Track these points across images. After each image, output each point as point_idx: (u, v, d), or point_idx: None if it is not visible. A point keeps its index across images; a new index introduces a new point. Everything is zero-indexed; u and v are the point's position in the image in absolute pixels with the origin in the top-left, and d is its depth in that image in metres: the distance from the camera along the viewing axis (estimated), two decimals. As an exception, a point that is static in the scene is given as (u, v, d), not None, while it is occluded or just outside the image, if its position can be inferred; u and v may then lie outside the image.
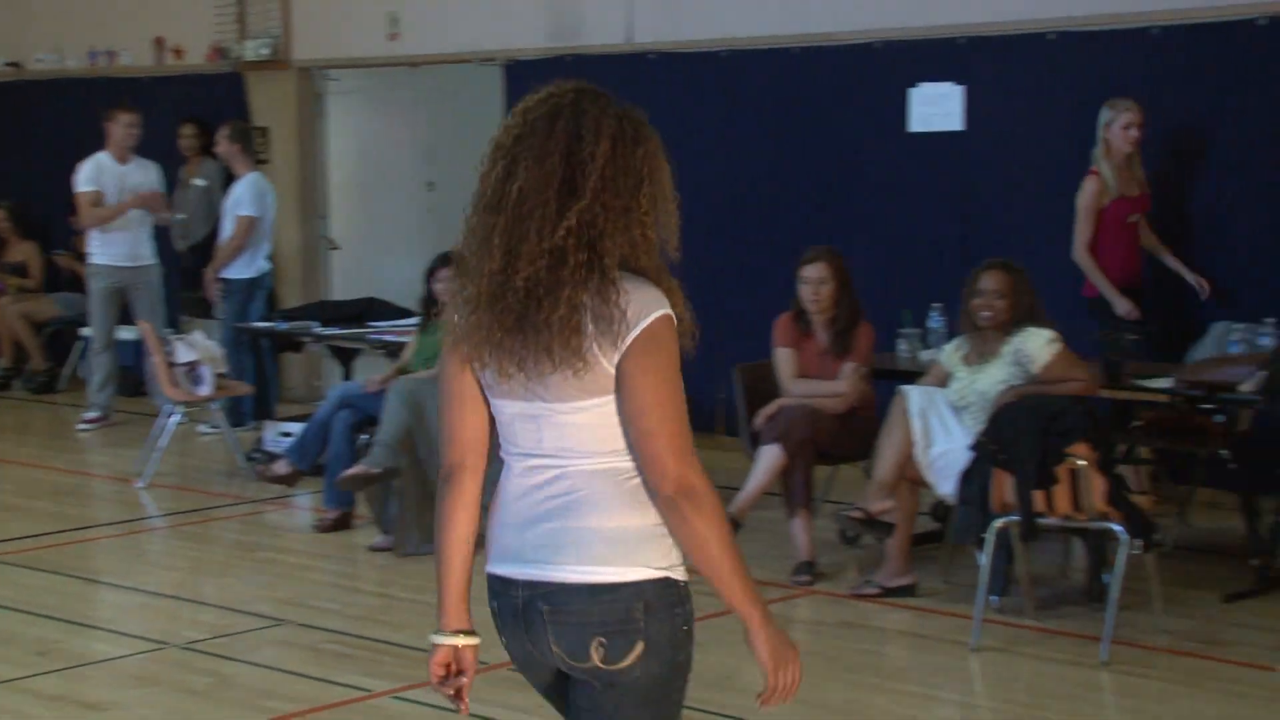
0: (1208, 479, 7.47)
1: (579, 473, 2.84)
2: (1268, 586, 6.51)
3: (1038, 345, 6.36)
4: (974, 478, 6.21)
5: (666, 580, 2.84)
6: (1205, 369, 6.75)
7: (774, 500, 7.22)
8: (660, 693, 2.87)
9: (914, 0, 8.99)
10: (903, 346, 7.71)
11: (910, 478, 6.51)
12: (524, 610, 2.85)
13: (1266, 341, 6.83)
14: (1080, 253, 7.74)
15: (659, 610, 2.82)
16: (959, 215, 8.85)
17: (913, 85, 8.95)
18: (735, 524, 6.91)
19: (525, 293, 2.77)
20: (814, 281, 7.03)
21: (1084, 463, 5.88)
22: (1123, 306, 7.60)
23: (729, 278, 9.77)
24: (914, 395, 6.51)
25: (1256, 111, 7.91)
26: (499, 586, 2.90)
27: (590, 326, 2.76)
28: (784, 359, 7.15)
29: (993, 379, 6.43)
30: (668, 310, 2.80)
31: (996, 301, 6.43)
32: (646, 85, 10.07)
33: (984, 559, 6.09)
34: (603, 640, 2.80)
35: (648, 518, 2.82)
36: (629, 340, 2.76)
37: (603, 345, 2.77)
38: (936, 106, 8.87)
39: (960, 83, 8.80)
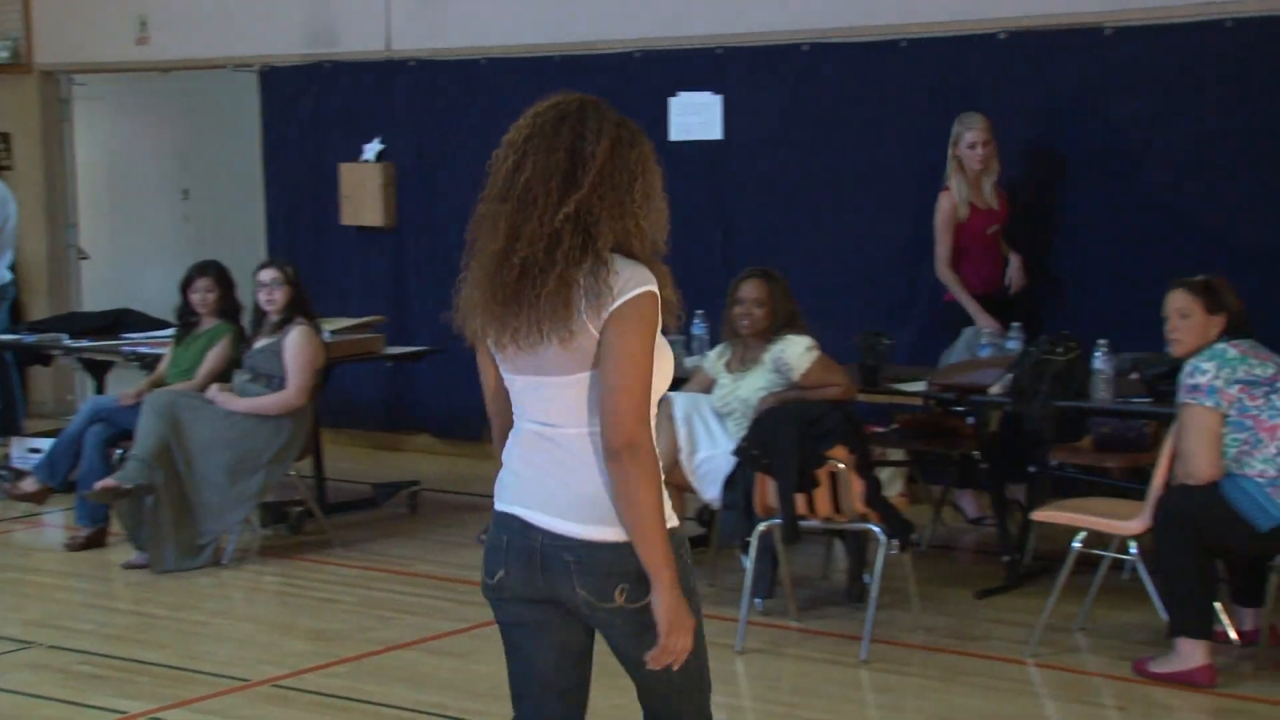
0: (961, 479, 7.71)
1: (580, 438, 3.17)
2: (1018, 582, 6.74)
3: (797, 353, 6.47)
4: (737, 483, 6.31)
5: (671, 531, 3.16)
6: (956, 372, 6.95)
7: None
8: None
9: (672, 11, 9.10)
10: (666, 353, 7.77)
11: (675, 483, 6.57)
12: (543, 554, 3.19)
13: (1014, 345, 7.06)
14: (941, 269, 7.76)
15: None
16: (720, 223, 8.98)
17: (672, 95, 9.06)
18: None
19: (521, 270, 3.11)
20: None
21: (843, 465, 6.01)
22: (984, 321, 7.62)
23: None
24: (678, 402, 6.58)
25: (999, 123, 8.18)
26: (515, 525, 3.22)
27: (581, 301, 3.09)
28: (548, 367, 7.16)
29: (754, 385, 6.53)
30: (653, 288, 3.11)
31: (756, 310, 6.53)
32: (406, 93, 10.02)
33: (748, 562, 6.18)
34: (625, 586, 3.15)
35: None
36: (611, 309, 3.09)
37: (590, 315, 3.09)
38: (696, 116, 8.99)
39: (718, 92, 8.93)
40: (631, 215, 3.14)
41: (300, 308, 7.49)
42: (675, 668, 3.18)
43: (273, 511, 7.95)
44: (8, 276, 9.89)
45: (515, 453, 3.24)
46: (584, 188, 3.13)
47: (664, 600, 3.11)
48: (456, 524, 8.15)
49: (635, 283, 3.10)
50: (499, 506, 3.25)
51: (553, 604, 3.22)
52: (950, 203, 7.74)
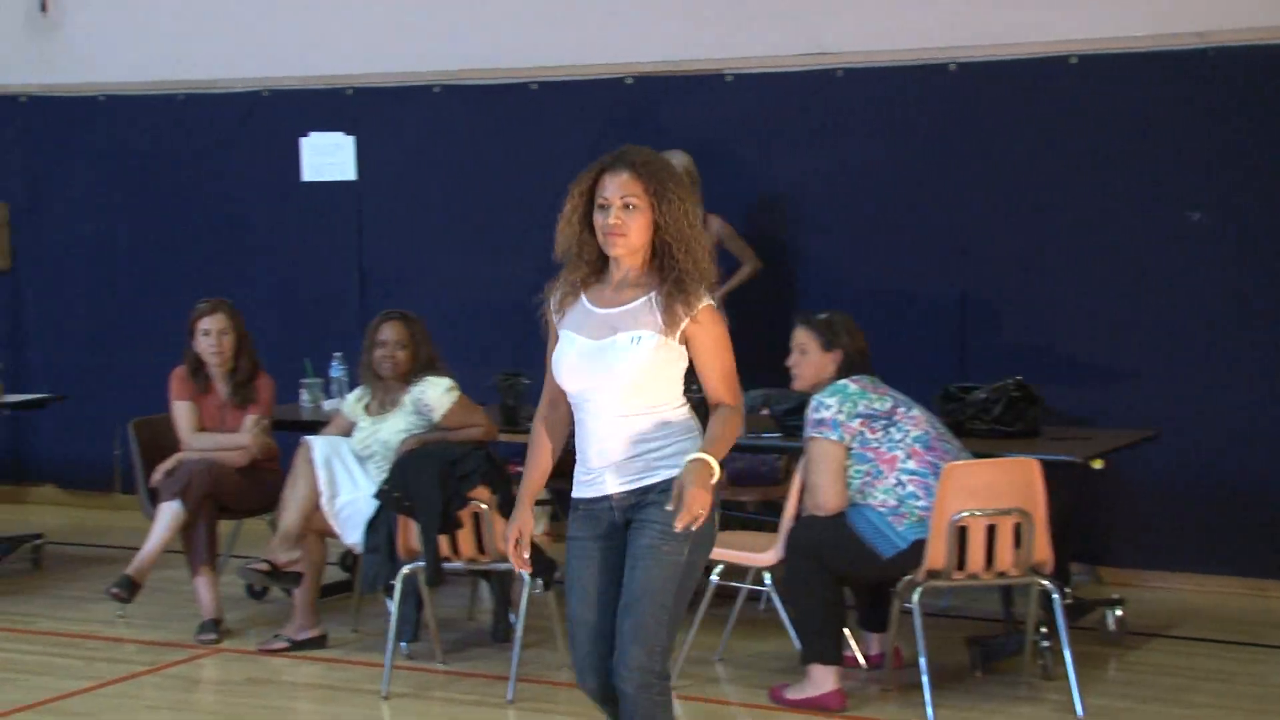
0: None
1: None
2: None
3: (437, 394, 6.50)
4: (380, 526, 6.28)
5: None
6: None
7: (176, 558, 7.02)
8: None
9: (299, 49, 9.01)
10: (305, 397, 7.70)
11: (317, 528, 6.50)
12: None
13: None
14: None
15: None
16: (355, 265, 8.92)
17: (303, 135, 8.97)
18: (135, 585, 6.69)
19: None
20: (214, 333, 6.92)
21: (485, 506, 6.05)
22: None
23: (119, 331, 9.47)
24: (318, 445, 6.51)
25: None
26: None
27: None
28: (182, 413, 6.99)
29: (395, 428, 6.52)
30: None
31: (399, 352, 6.53)
32: (17, 130, 9.63)
33: (393, 606, 6.15)
34: None
35: None
36: None
37: None
38: (329, 156, 8.92)
39: (351, 133, 8.89)
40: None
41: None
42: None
43: (-120, 571, 7.50)
44: None
45: None
46: None
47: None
48: (84, 578, 7.83)
49: None
50: None
51: None
52: None
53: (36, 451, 9.71)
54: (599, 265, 4.07)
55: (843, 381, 5.79)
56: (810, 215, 8.04)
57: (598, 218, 4.00)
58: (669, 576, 3.94)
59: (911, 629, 5.65)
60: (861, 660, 6.13)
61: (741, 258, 7.73)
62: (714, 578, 6.07)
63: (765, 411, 6.75)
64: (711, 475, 3.80)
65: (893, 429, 5.71)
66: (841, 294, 7.64)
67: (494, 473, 6.13)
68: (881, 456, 5.68)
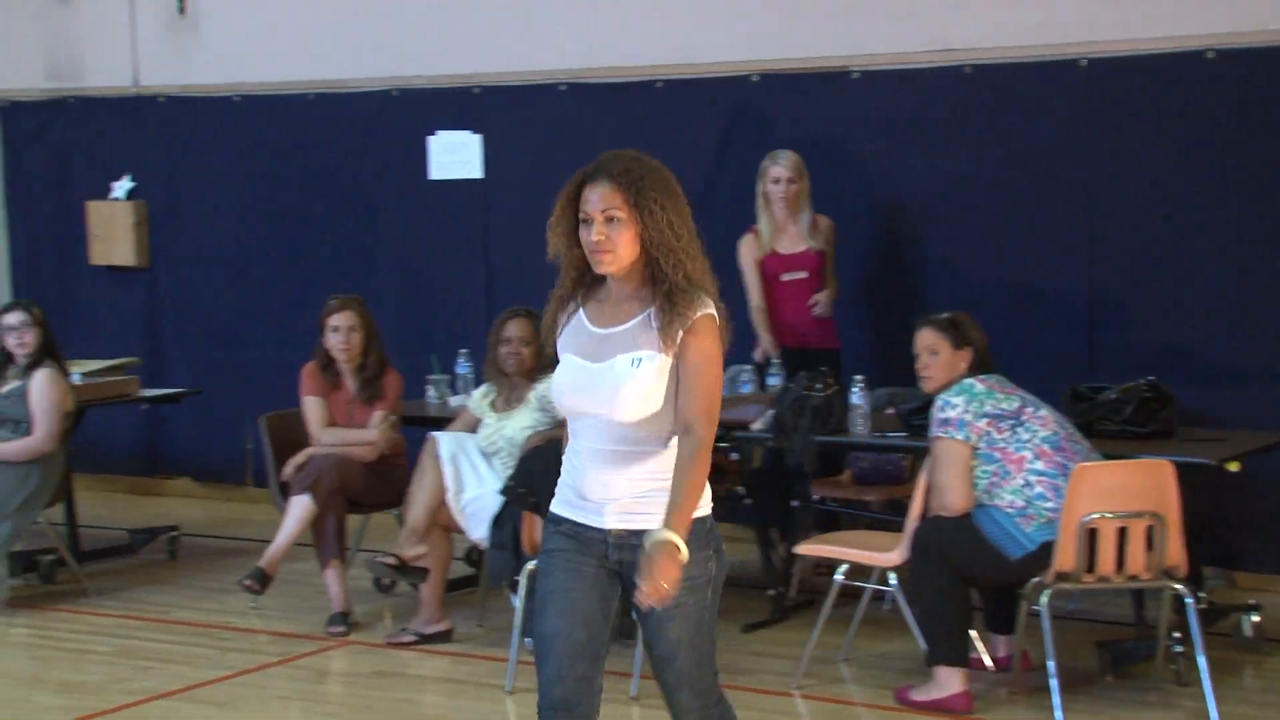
0: (725, 514, 7.80)
1: None
2: (782, 615, 6.86)
3: (562, 390, 6.52)
4: (505, 522, 6.32)
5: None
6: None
7: (306, 551, 7.13)
8: None
9: (428, 49, 9.10)
10: (431, 393, 7.77)
11: (443, 524, 6.56)
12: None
13: (774, 381, 7.20)
14: (752, 311, 7.38)
15: None
16: (482, 262, 8.99)
17: (431, 133, 9.06)
18: (266, 577, 6.80)
19: None
20: (344, 329, 7.01)
21: (610, 503, 6.06)
22: (762, 345, 7.37)
23: (251, 327, 9.61)
24: (444, 441, 6.57)
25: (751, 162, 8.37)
26: None
27: None
28: (312, 408, 7.09)
29: (520, 424, 6.56)
30: None
31: (523, 349, 6.57)
32: (155, 129, 9.82)
33: (518, 601, 6.19)
34: None
35: None
36: None
37: None
38: (456, 155, 9.00)
39: (478, 131, 8.96)
40: None
41: (48, 350, 7.30)
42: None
43: (23, 560, 7.68)
44: None
45: None
46: None
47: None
48: (217, 569, 7.98)
49: None
50: None
51: None
52: (748, 241, 7.45)
53: (172, 445, 9.91)
54: (591, 279, 3.82)
55: (969, 380, 5.74)
56: (938, 213, 7.96)
57: (583, 233, 3.73)
58: (699, 622, 3.80)
59: (1039, 632, 5.58)
60: (988, 662, 6.07)
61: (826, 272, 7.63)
62: (838, 577, 6.04)
63: (890, 410, 6.70)
64: (679, 555, 3.58)
65: (1020, 429, 5.65)
66: (970, 292, 7.57)
67: (619, 470, 6.14)
68: (1009, 457, 5.63)
